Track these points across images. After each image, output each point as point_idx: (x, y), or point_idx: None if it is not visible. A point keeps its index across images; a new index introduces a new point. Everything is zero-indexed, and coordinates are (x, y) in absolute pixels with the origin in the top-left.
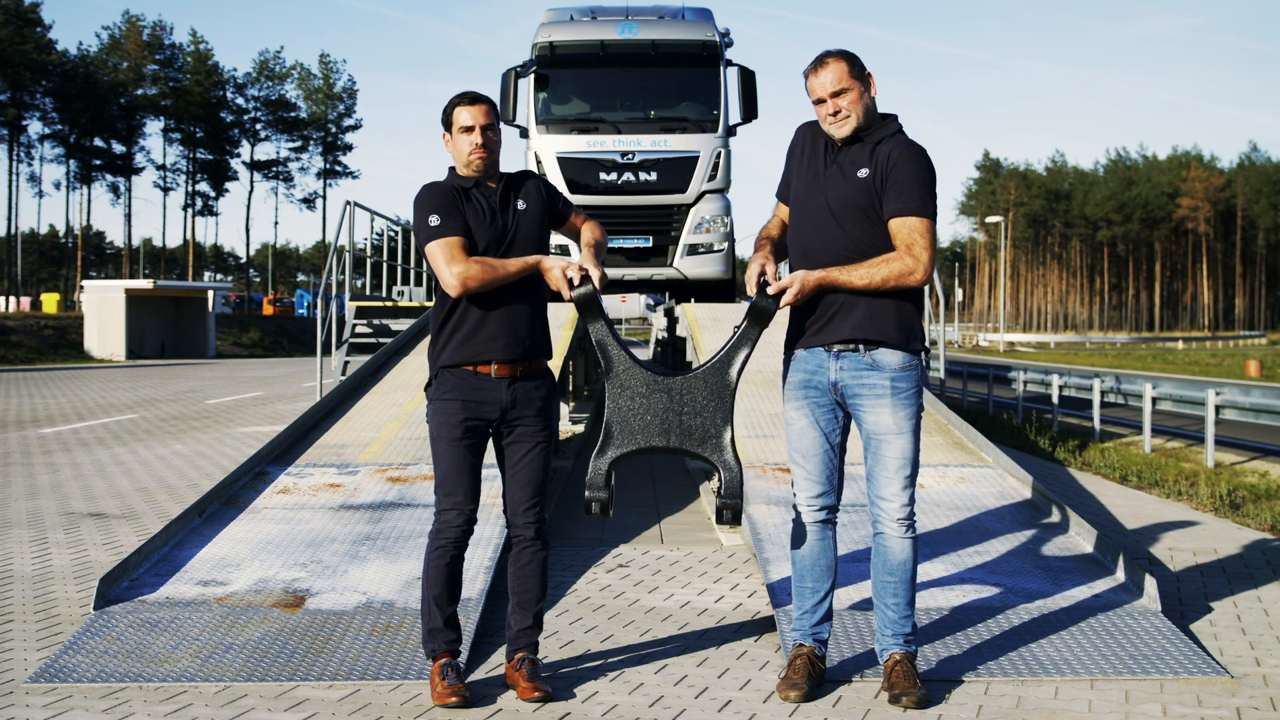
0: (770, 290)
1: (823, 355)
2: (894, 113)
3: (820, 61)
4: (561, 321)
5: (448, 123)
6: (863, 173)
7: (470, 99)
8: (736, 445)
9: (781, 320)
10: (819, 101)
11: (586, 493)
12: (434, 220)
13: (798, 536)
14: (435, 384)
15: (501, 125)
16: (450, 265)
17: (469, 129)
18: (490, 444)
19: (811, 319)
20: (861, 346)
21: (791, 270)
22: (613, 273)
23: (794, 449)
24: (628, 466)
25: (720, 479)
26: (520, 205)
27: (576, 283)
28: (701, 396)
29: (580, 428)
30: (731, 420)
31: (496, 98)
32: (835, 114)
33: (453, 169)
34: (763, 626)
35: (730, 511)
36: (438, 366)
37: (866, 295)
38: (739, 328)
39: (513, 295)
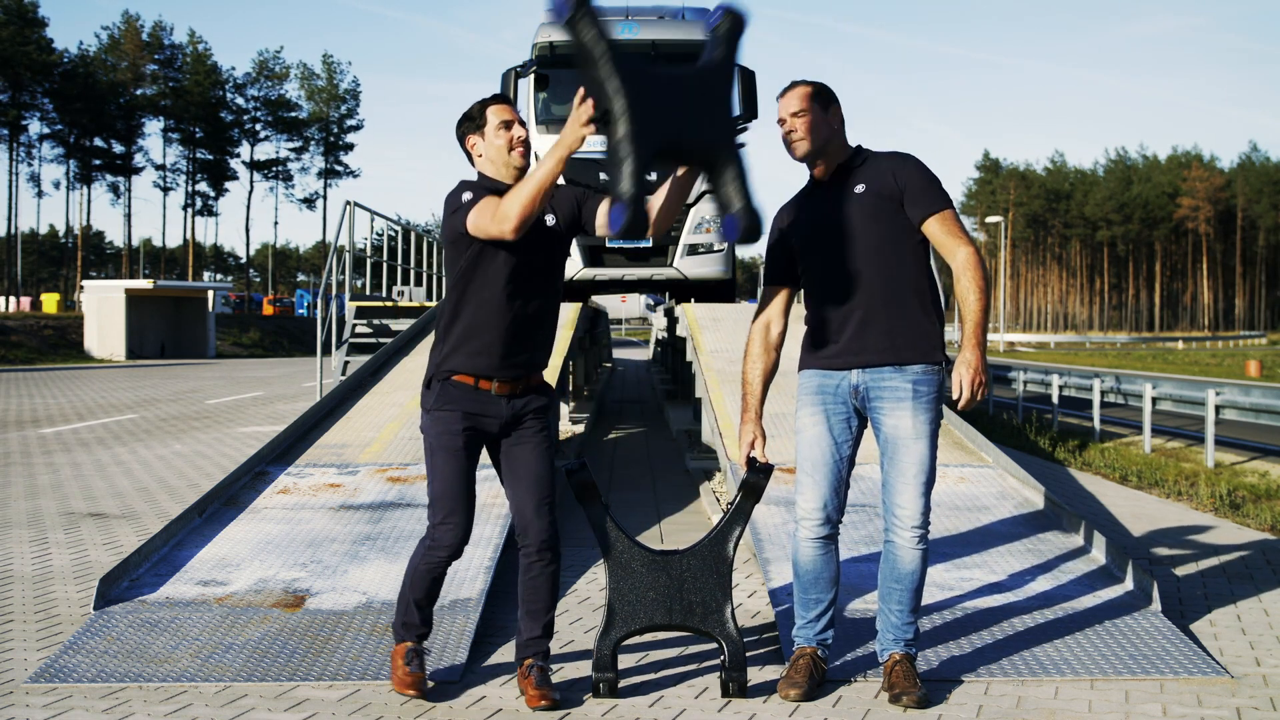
0: (952, 394)
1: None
2: (857, 144)
3: (789, 87)
4: (562, 321)
5: (479, 125)
6: (859, 188)
7: (497, 99)
8: (736, 618)
9: (795, 322)
10: (780, 121)
11: (593, 674)
12: (466, 196)
13: (800, 550)
14: (434, 395)
15: None
16: (497, 213)
17: (508, 124)
18: (486, 454)
19: (830, 342)
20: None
21: (811, 308)
22: (613, 273)
23: (803, 458)
24: (628, 466)
25: (724, 652)
26: (550, 221)
27: (576, 470)
28: (699, 572)
29: (580, 428)
30: (730, 594)
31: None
32: (791, 132)
33: (481, 177)
34: (763, 627)
35: (735, 685)
36: (442, 371)
37: (887, 311)
38: (732, 504)
39: (525, 304)
